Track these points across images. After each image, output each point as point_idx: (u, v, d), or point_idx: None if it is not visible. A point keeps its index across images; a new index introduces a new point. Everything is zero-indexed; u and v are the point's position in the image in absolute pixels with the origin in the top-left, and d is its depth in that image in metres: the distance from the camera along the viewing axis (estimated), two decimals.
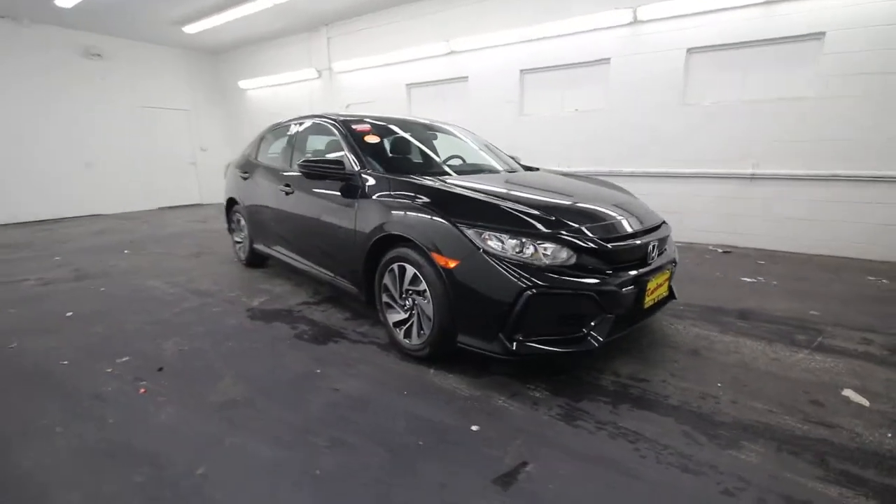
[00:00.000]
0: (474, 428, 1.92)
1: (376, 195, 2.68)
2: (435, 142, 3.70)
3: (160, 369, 2.48)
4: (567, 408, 2.07)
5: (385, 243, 2.58)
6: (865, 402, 2.10)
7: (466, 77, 7.03)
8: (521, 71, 6.52)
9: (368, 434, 1.89)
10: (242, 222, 4.46)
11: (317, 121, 3.61)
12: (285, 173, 3.64)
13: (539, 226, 2.15)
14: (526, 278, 2.01)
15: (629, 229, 2.35)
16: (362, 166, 2.91)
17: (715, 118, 5.27)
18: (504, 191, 2.50)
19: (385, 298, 2.64)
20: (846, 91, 4.55)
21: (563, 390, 2.22)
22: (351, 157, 2.99)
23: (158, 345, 2.80)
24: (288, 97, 9.48)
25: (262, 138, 4.39)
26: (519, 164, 3.81)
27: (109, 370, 2.48)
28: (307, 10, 7.62)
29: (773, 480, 1.61)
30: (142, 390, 2.25)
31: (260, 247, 4.23)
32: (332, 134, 3.34)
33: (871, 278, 4.04)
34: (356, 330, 3.00)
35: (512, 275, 2.02)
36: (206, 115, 10.48)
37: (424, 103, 7.70)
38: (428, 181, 2.59)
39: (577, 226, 2.19)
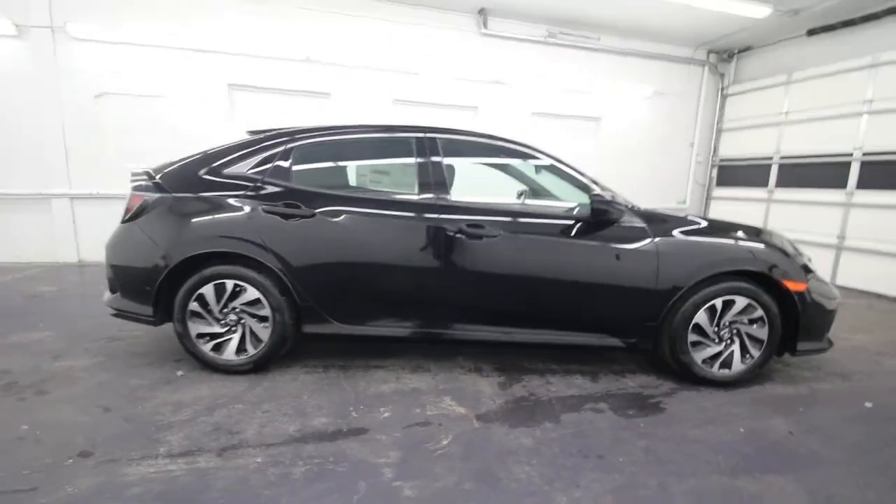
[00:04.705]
0: None
1: (674, 230, 2.64)
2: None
3: None
4: None
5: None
6: None
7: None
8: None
9: None
10: (254, 295, 2.46)
11: (500, 143, 3.02)
12: (507, 210, 2.78)
13: None
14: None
15: None
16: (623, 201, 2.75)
17: None
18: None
19: (695, 338, 2.59)
20: (612, 154, 7.30)
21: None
22: (601, 188, 2.87)
23: None
24: None
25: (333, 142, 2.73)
26: None
27: None
28: None
29: None
30: None
31: (329, 327, 2.55)
32: (532, 158, 3.10)
33: None
34: (645, 390, 2.64)
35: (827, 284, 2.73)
36: None
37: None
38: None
39: None
